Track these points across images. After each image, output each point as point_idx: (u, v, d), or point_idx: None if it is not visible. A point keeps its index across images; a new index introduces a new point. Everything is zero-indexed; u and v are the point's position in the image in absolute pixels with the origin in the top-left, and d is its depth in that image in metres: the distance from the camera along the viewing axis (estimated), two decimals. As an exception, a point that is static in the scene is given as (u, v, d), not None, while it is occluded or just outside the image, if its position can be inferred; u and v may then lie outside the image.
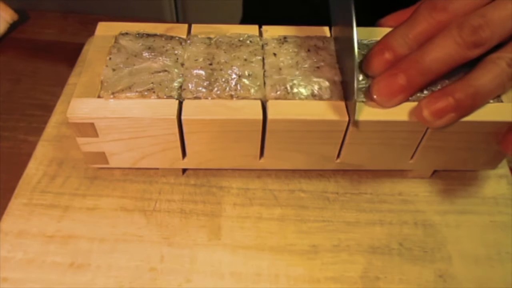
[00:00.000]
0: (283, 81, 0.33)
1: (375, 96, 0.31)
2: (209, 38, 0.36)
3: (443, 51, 0.30)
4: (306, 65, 0.34)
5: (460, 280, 0.33)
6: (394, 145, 0.34)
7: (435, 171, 0.38)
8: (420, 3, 0.32)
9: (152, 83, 0.32)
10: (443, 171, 0.38)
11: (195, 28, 0.37)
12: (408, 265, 0.33)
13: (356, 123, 0.31)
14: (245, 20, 0.65)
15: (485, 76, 0.30)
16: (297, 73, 0.33)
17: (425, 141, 0.33)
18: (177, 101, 0.32)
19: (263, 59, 0.34)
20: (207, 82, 0.32)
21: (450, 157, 0.35)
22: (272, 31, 0.36)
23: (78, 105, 0.31)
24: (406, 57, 0.31)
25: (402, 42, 0.32)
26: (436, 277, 0.33)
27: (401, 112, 0.32)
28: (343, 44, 0.33)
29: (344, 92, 0.33)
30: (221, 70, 0.33)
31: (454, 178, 0.38)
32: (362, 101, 0.32)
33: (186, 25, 0.37)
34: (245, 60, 0.34)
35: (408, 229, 0.35)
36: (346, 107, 0.32)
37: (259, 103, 0.32)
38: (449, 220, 0.36)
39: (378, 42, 0.33)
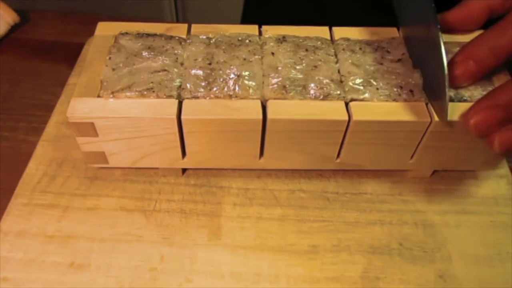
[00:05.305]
0: (281, 80, 0.33)
1: (470, 124, 0.29)
2: (209, 38, 0.36)
3: None
4: (303, 65, 0.34)
5: (460, 280, 0.33)
6: (394, 145, 0.34)
7: (435, 171, 0.38)
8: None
9: (152, 82, 0.32)
10: (443, 171, 0.38)
11: (195, 28, 0.37)
12: (408, 265, 0.33)
13: (450, 124, 0.31)
14: (245, 19, 0.65)
15: None
16: (294, 72, 0.33)
17: (425, 141, 0.33)
18: (177, 100, 0.32)
19: (262, 58, 0.34)
20: (206, 82, 0.32)
21: (450, 157, 0.35)
22: (272, 31, 0.36)
23: (78, 105, 0.31)
24: (506, 90, 0.29)
25: (488, 53, 0.30)
26: (436, 277, 0.33)
27: (401, 112, 0.32)
28: (422, 44, 0.32)
29: (428, 92, 0.32)
30: (220, 70, 0.33)
31: (454, 178, 0.38)
32: (361, 100, 0.32)
33: (186, 25, 0.37)
34: (244, 59, 0.34)
35: (408, 229, 0.35)
36: (433, 107, 0.31)
37: (258, 103, 0.32)
38: (449, 220, 0.36)
39: (460, 51, 0.32)
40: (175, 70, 0.33)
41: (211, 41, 0.35)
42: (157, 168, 0.37)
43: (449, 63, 0.32)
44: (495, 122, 0.29)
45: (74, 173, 0.37)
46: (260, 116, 0.31)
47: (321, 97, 0.32)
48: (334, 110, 0.32)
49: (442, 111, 0.30)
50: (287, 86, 0.32)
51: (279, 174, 0.38)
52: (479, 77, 0.32)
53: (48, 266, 0.32)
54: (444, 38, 0.35)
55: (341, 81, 0.33)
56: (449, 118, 0.31)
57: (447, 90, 0.29)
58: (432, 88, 0.32)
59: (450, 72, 0.32)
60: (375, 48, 0.35)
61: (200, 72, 0.33)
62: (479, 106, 0.29)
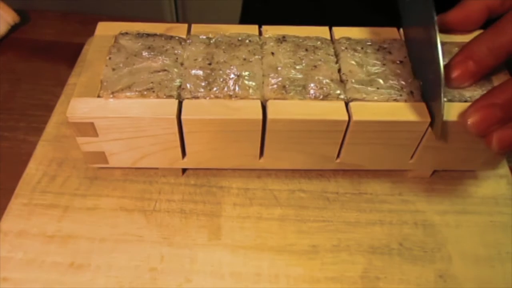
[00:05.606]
0: (281, 80, 0.33)
1: (469, 123, 0.30)
2: (209, 38, 0.36)
3: None
4: (303, 64, 0.34)
5: (460, 280, 0.33)
6: (394, 145, 0.34)
7: (435, 171, 0.38)
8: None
9: (152, 82, 0.32)
10: (443, 171, 0.38)
11: (195, 28, 0.37)
12: (408, 265, 0.33)
13: (444, 124, 0.31)
14: (244, 18, 0.65)
15: None
16: (294, 72, 0.33)
17: (425, 141, 0.33)
18: (177, 100, 0.32)
19: (262, 58, 0.34)
20: (206, 82, 0.32)
21: (450, 157, 0.35)
22: (272, 31, 0.36)
23: (78, 105, 0.31)
24: (504, 89, 0.29)
25: (487, 52, 0.30)
26: (436, 277, 0.33)
27: (401, 112, 0.32)
28: (421, 45, 0.32)
29: (424, 93, 0.32)
30: (220, 70, 0.33)
31: (454, 178, 0.38)
32: (361, 100, 0.32)
33: (186, 25, 0.37)
34: (244, 59, 0.34)
35: (408, 229, 0.35)
36: (428, 108, 0.31)
37: (258, 103, 0.32)
38: (449, 220, 0.36)
39: (460, 51, 0.32)
40: (175, 70, 0.33)
41: (211, 41, 0.35)
42: (157, 168, 0.37)
43: (448, 64, 0.32)
44: (494, 121, 0.29)
45: (74, 173, 0.37)
46: (260, 116, 0.31)
47: (321, 97, 0.32)
48: (334, 110, 0.32)
49: (436, 112, 0.30)
50: (287, 86, 0.32)
51: (279, 174, 0.38)
52: (479, 77, 0.32)
53: (48, 266, 0.32)
54: (443, 38, 0.35)
55: (342, 80, 0.33)
56: (449, 118, 0.31)
57: (442, 93, 0.29)
58: (430, 93, 0.32)
59: (450, 72, 0.32)
60: (376, 49, 0.35)
61: (200, 72, 0.33)
62: (478, 105, 0.30)
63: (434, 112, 0.31)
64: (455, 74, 0.32)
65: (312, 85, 0.33)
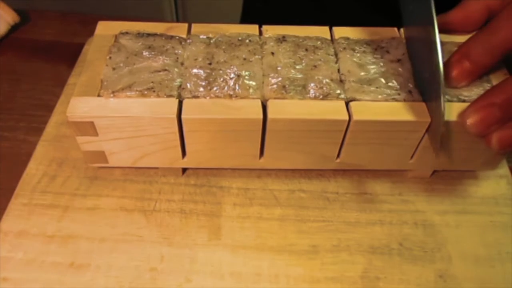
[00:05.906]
0: (281, 80, 0.33)
1: (468, 123, 0.30)
2: (209, 38, 0.36)
3: None
4: (303, 64, 0.34)
5: (460, 280, 0.33)
6: (394, 145, 0.34)
7: (435, 171, 0.38)
8: (505, 9, 0.31)
9: (152, 82, 0.32)
10: (443, 171, 0.38)
11: (195, 27, 0.37)
12: (408, 265, 0.33)
13: (446, 124, 0.31)
14: (245, 18, 0.65)
15: None
16: (294, 72, 0.33)
17: (425, 141, 0.33)
18: (177, 100, 0.32)
19: (262, 58, 0.34)
20: (206, 82, 0.32)
21: (450, 157, 0.35)
22: (272, 31, 0.37)
23: (78, 104, 0.31)
24: (503, 89, 0.29)
25: (483, 51, 0.31)
26: (436, 277, 0.33)
27: (401, 112, 0.32)
28: (421, 45, 0.32)
29: (423, 93, 0.32)
30: (220, 69, 0.33)
31: (454, 178, 0.38)
32: (361, 100, 0.32)
33: (186, 25, 0.37)
34: (244, 59, 0.34)
35: (408, 229, 0.35)
36: (428, 108, 0.31)
37: (259, 102, 0.32)
38: (449, 220, 0.36)
39: (456, 51, 0.32)
40: (176, 69, 0.33)
41: (211, 41, 0.35)
42: (157, 168, 0.37)
43: (445, 64, 0.32)
44: (493, 121, 0.29)
45: (74, 173, 0.37)
46: (261, 116, 0.31)
47: (321, 96, 0.32)
48: (334, 110, 0.32)
49: (433, 112, 0.30)
50: (287, 86, 0.32)
51: (279, 174, 0.38)
52: (476, 76, 0.32)
53: (48, 266, 0.32)
54: (443, 38, 0.35)
55: (341, 80, 0.33)
56: (448, 118, 0.31)
57: (442, 92, 0.29)
58: (428, 93, 0.32)
59: (446, 72, 0.32)
60: (375, 48, 0.35)
61: (200, 72, 0.33)
62: (477, 105, 0.30)
63: (431, 114, 0.31)
64: (451, 73, 0.32)
65: (312, 84, 0.33)
